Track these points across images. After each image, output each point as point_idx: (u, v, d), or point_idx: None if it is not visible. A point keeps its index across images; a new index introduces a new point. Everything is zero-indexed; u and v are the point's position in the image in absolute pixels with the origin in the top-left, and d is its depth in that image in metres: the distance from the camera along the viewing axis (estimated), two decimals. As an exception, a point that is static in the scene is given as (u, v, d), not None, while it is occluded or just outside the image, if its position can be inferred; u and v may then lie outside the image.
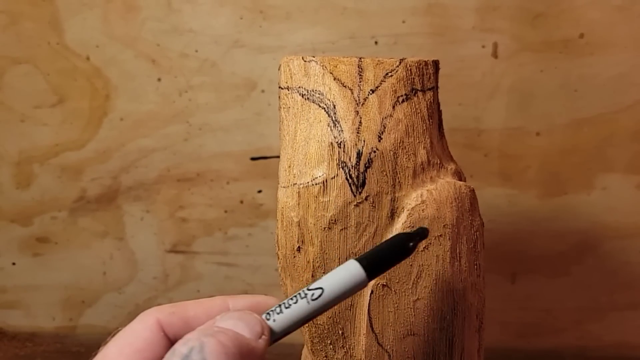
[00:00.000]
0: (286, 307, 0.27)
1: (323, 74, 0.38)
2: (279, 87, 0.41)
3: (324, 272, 0.38)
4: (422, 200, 0.37)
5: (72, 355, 0.69)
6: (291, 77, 0.39)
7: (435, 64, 0.40)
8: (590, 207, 0.68)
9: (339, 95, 0.38)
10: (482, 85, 0.66)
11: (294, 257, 0.39)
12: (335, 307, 0.38)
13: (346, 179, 0.37)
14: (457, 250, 0.38)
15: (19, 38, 0.70)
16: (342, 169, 0.37)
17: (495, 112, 0.67)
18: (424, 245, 0.37)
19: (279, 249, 0.40)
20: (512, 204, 0.68)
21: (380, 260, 0.30)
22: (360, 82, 0.38)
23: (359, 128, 0.37)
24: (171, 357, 0.23)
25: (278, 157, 0.41)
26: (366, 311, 0.38)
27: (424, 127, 0.39)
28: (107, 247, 0.74)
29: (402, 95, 0.38)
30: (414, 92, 0.39)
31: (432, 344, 0.38)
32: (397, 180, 0.37)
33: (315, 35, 0.67)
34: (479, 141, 0.67)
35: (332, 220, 0.37)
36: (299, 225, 0.38)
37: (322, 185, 0.37)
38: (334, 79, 0.38)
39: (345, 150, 0.37)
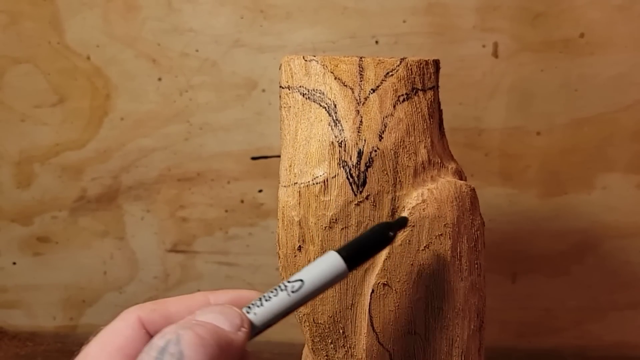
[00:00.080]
0: (266, 300, 0.27)
1: (324, 73, 0.38)
2: (280, 87, 0.41)
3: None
4: (422, 200, 0.37)
5: (73, 355, 0.69)
6: (292, 77, 0.39)
7: (436, 63, 0.40)
8: (590, 206, 0.68)
9: (339, 94, 0.38)
10: (482, 84, 0.66)
11: (295, 256, 0.39)
12: (336, 306, 0.38)
13: (347, 178, 0.37)
14: (458, 250, 0.38)
15: (20, 38, 0.70)
16: (343, 168, 0.37)
17: (495, 111, 0.67)
18: (424, 245, 0.37)
19: (279, 248, 0.40)
20: (512, 204, 0.68)
21: (360, 250, 0.30)
22: (361, 81, 0.38)
23: (359, 127, 0.37)
24: (148, 350, 0.23)
25: (278, 156, 0.41)
26: (367, 310, 0.38)
27: (425, 126, 0.39)
28: (108, 246, 0.74)
29: (402, 95, 0.38)
30: (414, 91, 0.39)
31: (432, 343, 0.38)
32: (397, 179, 0.37)
33: (315, 34, 0.67)
34: (480, 141, 0.67)
35: (333, 219, 0.37)
36: (299, 224, 0.38)
37: (323, 184, 0.37)
38: (335, 78, 0.38)
39: (346, 150, 0.37)
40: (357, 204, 0.37)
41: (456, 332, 0.39)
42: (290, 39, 0.67)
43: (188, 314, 0.27)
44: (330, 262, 0.29)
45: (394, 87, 0.38)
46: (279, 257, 0.40)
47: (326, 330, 0.39)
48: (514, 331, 0.71)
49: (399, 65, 0.38)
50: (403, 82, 0.38)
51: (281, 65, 0.40)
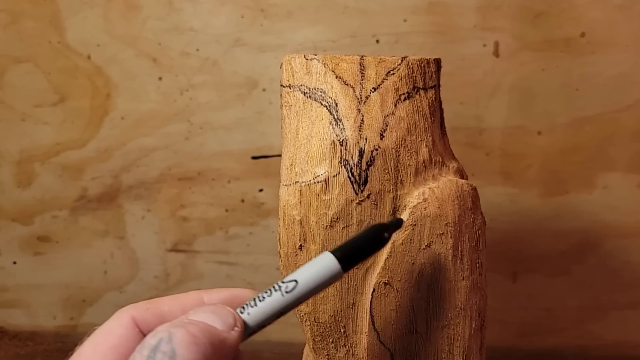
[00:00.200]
0: (260, 300, 0.27)
1: (325, 72, 0.38)
2: (281, 85, 0.40)
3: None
4: (424, 199, 0.37)
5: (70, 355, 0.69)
6: (293, 75, 0.39)
7: (437, 62, 0.40)
8: (591, 206, 0.68)
9: (340, 93, 0.38)
10: (483, 84, 0.66)
11: (296, 255, 0.39)
12: (337, 305, 0.38)
13: (348, 177, 0.37)
14: (459, 249, 0.38)
15: (20, 37, 0.70)
16: (344, 167, 0.37)
17: (496, 111, 0.67)
18: (426, 243, 0.37)
19: (280, 247, 0.40)
20: (513, 203, 0.68)
21: (355, 251, 0.30)
22: (362, 80, 0.38)
23: (361, 126, 0.37)
24: (140, 349, 0.23)
25: (279, 155, 0.41)
26: (368, 309, 0.38)
27: (426, 125, 0.39)
28: (108, 246, 0.74)
29: (404, 93, 0.38)
30: (415, 90, 0.39)
31: (434, 342, 0.38)
32: (399, 178, 0.37)
33: (316, 34, 0.67)
34: (480, 140, 0.67)
35: (334, 218, 0.37)
36: (300, 223, 0.38)
37: (324, 183, 0.37)
38: (336, 77, 0.38)
39: (347, 148, 0.37)
40: (359, 203, 0.37)
41: (457, 332, 0.39)
42: (290, 38, 0.67)
43: (182, 313, 0.27)
44: (325, 262, 0.29)
45: (395, 86, 0.38)
46: (280, 256, 0.40)
47: (327, 330, 0.39)
48: (515, 331, 0.71)
49: (400, 64, 0.38)
50: (404, 80, 0.38)
51: (282, 64, 0.40)
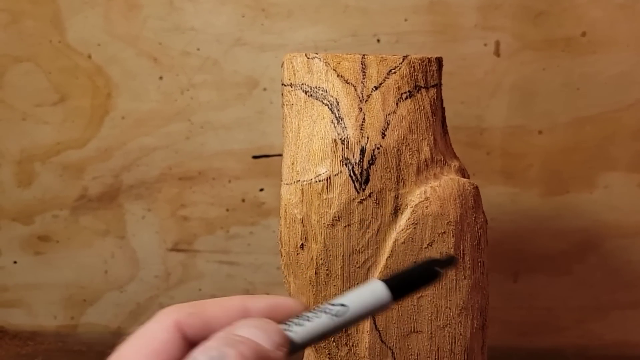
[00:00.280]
0: (307, 320, 0.27)
1: (326, 70, 0.38)
2: (282, 84, 0.40)
3: (327, 270, 0.38)
4: (425, 197, 0.37)
5: (74, 354, 0.69)
6: (294, 74, 0.39)
7: (439, 61, 0.40)
8: (592, 205, 0.68)
9: (342, 91, 0.38)
10: (484, 83, 0.66)
11: (297, 254, 0.39)
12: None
13: (350, 175, 0.37)
14: (461, 248, 0.38)
15: (21, 36, 0.70)
16: (346, 165, 0.37)
17: (497, 110, 0.67)
18: (427, 242, 0.37)
19: (282, 246, 0.40)
20: (514, 203, 0.68)
21: (406, 282, 0.30)
22: (363, 78, 0.38)
23: (362, 125, 0.37)
24: None
25: (280, 155, 0.41)
26: (369, 308, 0.38)
27: (428, 124, 0.39)
28: (109, 245, 0.74)
29: (405, 92, 0.38)
30: (417, 89, 0.39)
31: (435, 342, 0.38)
32: (400, 177, 0.37)
33: (317, 33, 0.67)
34: (481, 139, 0.67)
35: (335, 217, 0.37)
36: (302, 222, 0.38)
37: (325, 182, 0.37)
38: (338, 75, 0.38)
39: (349, 147, 0.37)
40: (360, 202, 0.37)
41: (459, 331, 0.39)
42: (291, 37, 0.67)
43: (225, 318, 0.27)
44: (377, 291, 0.28)
45: (397, 85, 0.38)
46: (281, 255, 0.40)
47: (329, 329, 0.39)
48: (516, 330, 0.71)
49: (401, 63, 0.38)
50: (406, 79, 0.38)
51: (283, 62, 0.40)
